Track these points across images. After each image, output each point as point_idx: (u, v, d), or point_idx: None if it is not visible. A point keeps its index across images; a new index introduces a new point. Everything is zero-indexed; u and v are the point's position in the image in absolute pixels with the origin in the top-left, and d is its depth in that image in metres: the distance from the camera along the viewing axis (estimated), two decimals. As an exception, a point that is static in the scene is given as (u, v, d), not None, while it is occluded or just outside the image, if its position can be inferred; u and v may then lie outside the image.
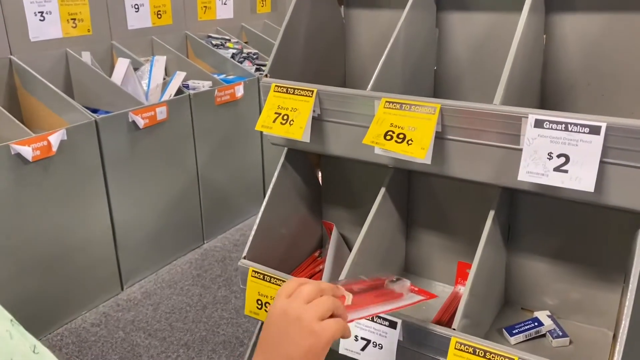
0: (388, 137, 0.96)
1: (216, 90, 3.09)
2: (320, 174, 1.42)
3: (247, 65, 3.63)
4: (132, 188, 2.64)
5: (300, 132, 1.06)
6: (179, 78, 3.09)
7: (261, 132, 3.47)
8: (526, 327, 1.13)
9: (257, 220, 1.21)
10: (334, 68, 1.38)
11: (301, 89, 1.07)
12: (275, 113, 1.09)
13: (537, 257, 1.19)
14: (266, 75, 1.14)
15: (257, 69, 3.62)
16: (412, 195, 1.30)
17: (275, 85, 1.10)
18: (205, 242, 3.21)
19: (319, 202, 1.43)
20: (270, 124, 1.09)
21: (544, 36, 1.12)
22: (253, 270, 1.16)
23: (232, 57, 3.64)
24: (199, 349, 2.27)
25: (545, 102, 1.16)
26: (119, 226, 2.59)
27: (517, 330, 1.12)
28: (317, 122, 1.09)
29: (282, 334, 0.69)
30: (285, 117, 1.07)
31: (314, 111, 1.07)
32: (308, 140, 1.08)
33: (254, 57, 3.74)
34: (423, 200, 1.29)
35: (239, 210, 3.44)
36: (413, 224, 1.32)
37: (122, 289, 2.67)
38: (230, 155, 3.28)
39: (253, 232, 1.20)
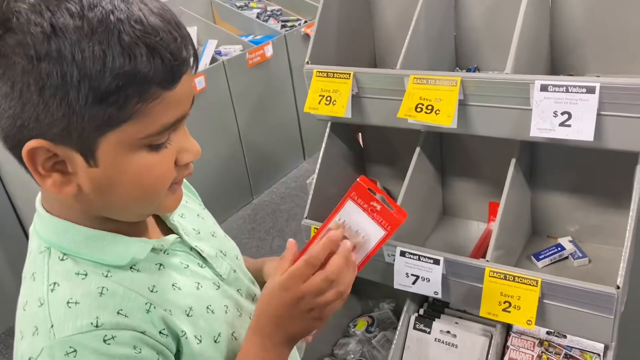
0: (418, 110, 1.14)
1: (247, 53, 3.23)
2: (361, 138, 1.61)
3: (273, 23, 3.73)
4: (184, 157, 2.87)
5: (342, 110, 1.24)
6: (211, 46, 3.25)
7: (293, 89, 3.64)
8: (550, 252, 1.32)
9: (313, 186, 1.41)
10: (364, 45, 1.54)
11: (340, 73, 1.25)
12: (319, 95, 1.27)
13: (558, 192, 1.37)
14: (307, 63, 1.32)
15: (283, 26, 3.73)
16: (445, 150, 1.48)
17: (317, 71, 1.28)
18: (254, 197, 3.46)
19: (362, 161, 1.63)
20: (316, 105, 1.27)
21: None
22: (315, 228, 1.38)
23: (257, 17, 3.74)
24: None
25: (555, 59, 1.30)
26: (178, 192, 2.83)
27: (543, 256, 1.32)
28: (356, 99, 1.26)
29: (293, 318, 0.75)
30: (329, 99, 1.26)
31: (352, 90, 1.25)
32: (350, 116, 1.26)
33: (278, 13, 3.83)
34: (455, 153, 1.47)
35: (282, 164, 3.66)
36: (447, 173, 1.51)
37: (188, 248, 2.96)
38: (267, 114, 3.47)
39: (310, 197, 1.41)
